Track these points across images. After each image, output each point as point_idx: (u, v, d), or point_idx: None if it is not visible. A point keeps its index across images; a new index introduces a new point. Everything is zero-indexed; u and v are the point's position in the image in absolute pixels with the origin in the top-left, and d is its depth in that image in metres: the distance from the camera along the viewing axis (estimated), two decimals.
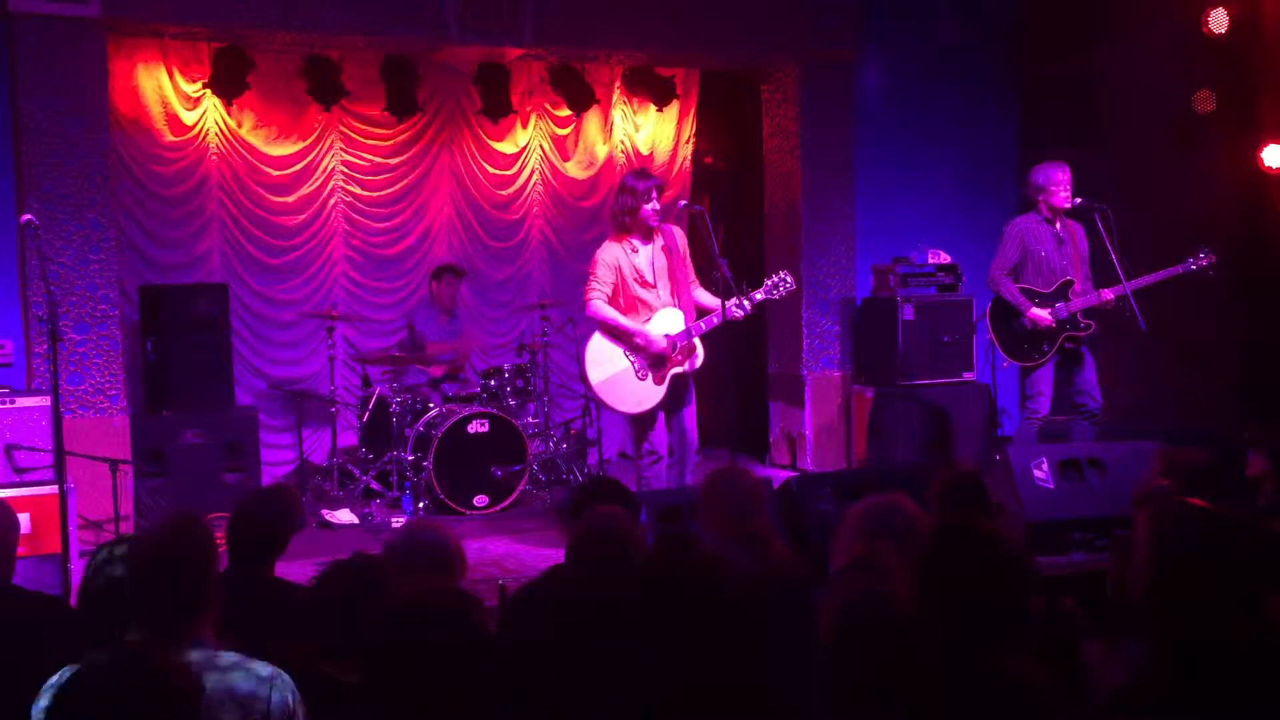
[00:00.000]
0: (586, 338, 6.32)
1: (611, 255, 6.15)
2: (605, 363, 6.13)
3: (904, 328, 8.13)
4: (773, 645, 2.61)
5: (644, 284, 6.16)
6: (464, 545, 6.84)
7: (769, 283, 6.20)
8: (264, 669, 2.51)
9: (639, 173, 6.62)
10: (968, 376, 8.27)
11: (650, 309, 6.15)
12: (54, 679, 2.36)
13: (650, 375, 6.12)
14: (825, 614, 2.20)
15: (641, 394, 6.13)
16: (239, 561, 3.51)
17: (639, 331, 6.10)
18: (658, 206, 6.12)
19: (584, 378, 6.27)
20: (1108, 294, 6.61)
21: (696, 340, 6.18)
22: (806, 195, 8.61)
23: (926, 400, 8.06)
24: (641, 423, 6.22)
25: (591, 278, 6.16)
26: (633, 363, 6.12)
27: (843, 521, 3.04)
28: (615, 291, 6.13)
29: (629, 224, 6.14)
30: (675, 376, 6.17)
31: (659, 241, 6.20)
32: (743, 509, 3.68)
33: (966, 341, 8.22)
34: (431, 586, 2.39)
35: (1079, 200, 6.69)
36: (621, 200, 6.19)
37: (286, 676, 2.52)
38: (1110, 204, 6.64)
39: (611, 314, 6.11)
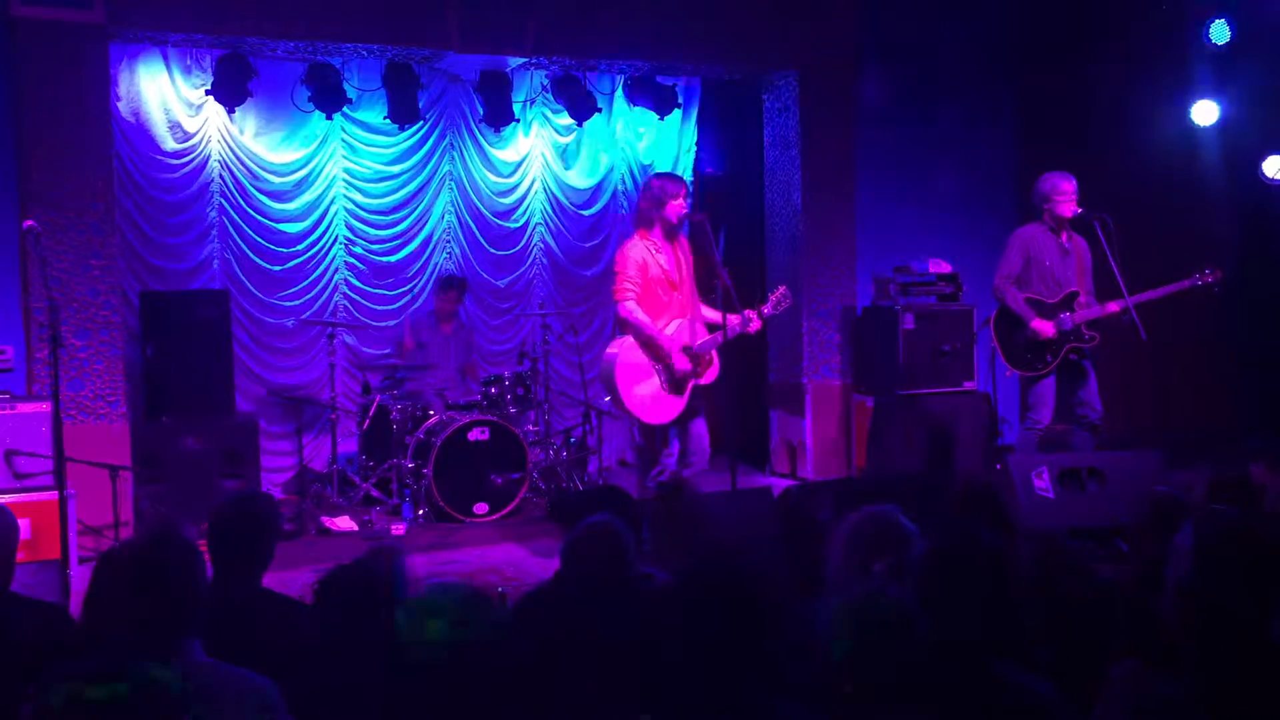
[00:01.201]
0: (615, 337, 6.31)
1: (639, 253, 6.12)
2: (635, 372, 6.11)
3: (904, 337, 8.12)
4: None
5: (670, 286, 6.15)
6: (464, 553, 6.86)
7: (773, 298, 6.29)
8: (250, 679, 2.51)
9: (670, 174, 6.70)
10: (968, 386, 8.26)
11: (671, 314, 6.15)
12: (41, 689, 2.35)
13: (673, 389, 6.15)
14: (830, 620, 2.20)
15: (667, 405, 6.15)
16: (221, 572, 3.48)
17: (668, 344, 6.10)
18: (685, 206, 6.12)
19: (610, 384, 6.19)
20: (1113, 306, 6.60)
21: (713, 353, 6.20)
22: (807, 204, 8.62)
23: (928, 410, 8.06)
24: (656, 433, 6.23)
25: (622, 275, 6.12)
26: (660, 372, 6.13)
27: (835, 533, 3.04)
28: (639, 292, 6.13)
29: (654, 217, 6.14)
30: (692, 389, 6.19)
31: (678, 247, 6.21)
32: (686, 528, 3.71)
33: (967, 351, 8.21)
34: (449, 584, 2.38)
35: (1080, 210, 6.69)
36: (649, 194, 6.22)
37: (272, 686, 2.52)
38: (1110, 214, 6.64)
39: (646, 319, 6.09)
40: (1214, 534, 2.00)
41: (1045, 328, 6.67)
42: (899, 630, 2.14)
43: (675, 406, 6.16)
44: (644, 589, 3.18)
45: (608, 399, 6.57)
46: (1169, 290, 6.60)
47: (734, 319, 6.03)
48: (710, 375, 6.24)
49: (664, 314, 6.15)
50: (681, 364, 6.11)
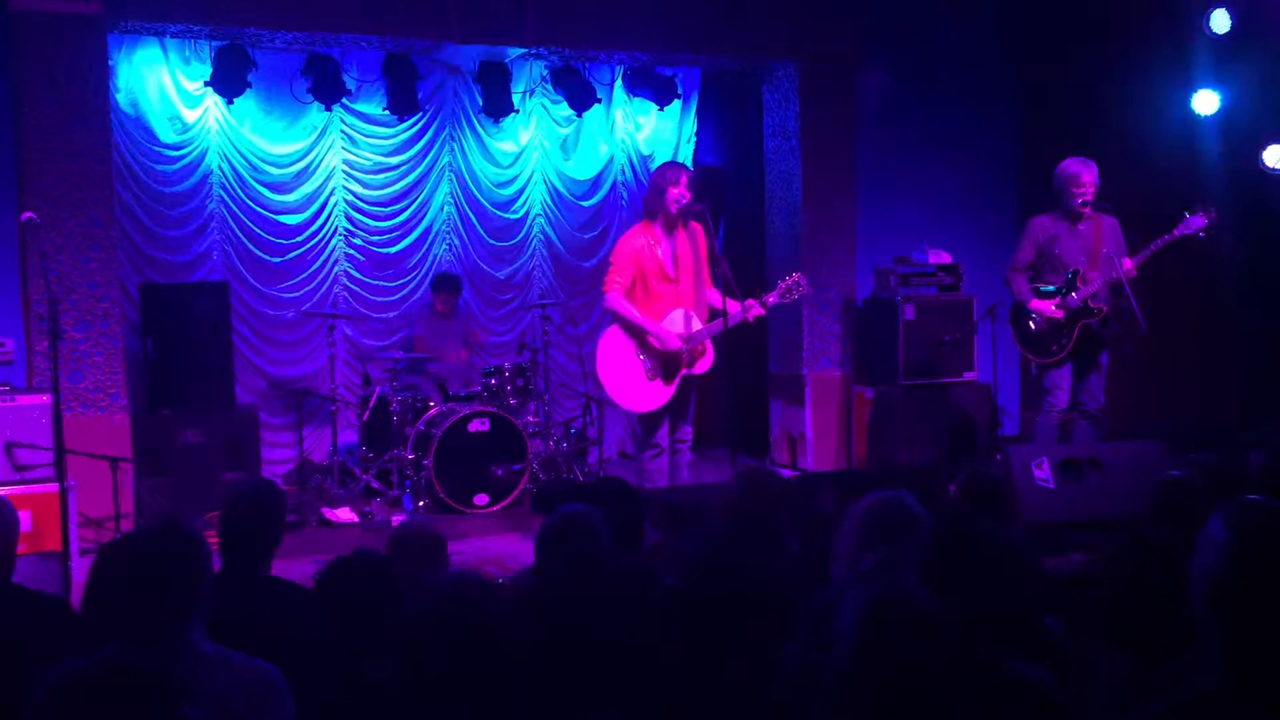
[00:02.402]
0: (602, 330, 6.31)
1: (634, 244, 6.12)
2: (617, 360, 6.12)
3: (905, 327, 8.12)
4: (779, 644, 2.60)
5: (664, 278, 6.13)
6: (465, 544, 6.87)
7: (783, 285, 6.20)
8: (256, 666, 2.50)
9: (673, 163, 6.68)
10: (969, 376, 8.26)
11: (666, 305, 6.13)
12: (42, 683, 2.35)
13: (659, 376, 6.12)
14: (850, 614, 2.18)
15: (650, 394, 6.13)
16: (229, 561, 3.49)
17: (655, 330, 6.09)
18: (685, 195, 6.11)
19: (594, 372, 6.26)
20: (1128, 263, 6.50)
21: (709, 342, 6.17)
22: (807, 195, 8.60)
23: (928, 401, 8.06)
24: (648, 421, 6.21)
25: (612, 267, 6.13)
26: (643, 362, 6.11)
27: (845, 519, 3.03)
28: (634, 283, 6.11)
29: (655, 209, 6.15)
30: (684, 379, 6.16)
31: (685, 236, 6.19)
32: (773, 509, 3.71)
33: (967, 341, 8.21)
34: (462, 574, 2.38)
35: (1089, 199, 6.65)
36: (651, 183, 6.26)
37: (278, 673, 2.52)
38: (1110, 204, 6.62)
39: (629, 308, 6.09)
40: (1256, 524, 1.95)
41: (1043, 306, 6.63)
42: (924, 630, 2.12)
43: (662, 395, 6.14)
44: (644, 586, 3.17)
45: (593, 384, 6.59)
46: (1163, 242, 6.49)
47: (733, 305, 6.00)
48: (703, 365, 6.21)
49: (657, 305, 6.13)
50: (672, 343, 6.09)
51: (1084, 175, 6.61)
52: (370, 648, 2.48)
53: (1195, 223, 6.44)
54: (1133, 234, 6.70)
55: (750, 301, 6.08)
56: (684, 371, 6.15)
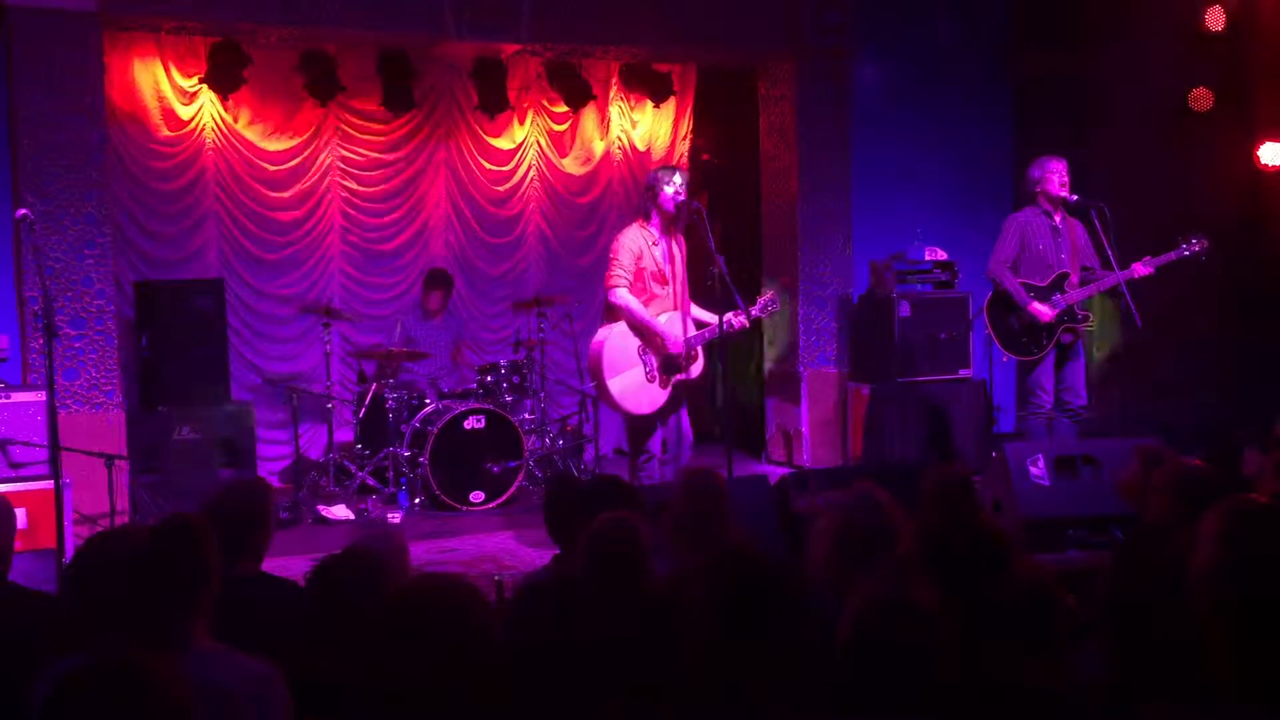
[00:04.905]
0: (601, 328, 6.26)
1: (635, 242, 6.09)
2: (620, 360, 6.09)
3: (900, 324, 8.13)
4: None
5: (661, 279, 6.13)
6: (460, 541, 6.87)
7: (762, 301, 6.27)
8: (258, 669, 2.50)
9: (667, 165, 6.68)
10: (964, 373, 8.27)
11: (661, 306, 6.13)
12: (45, 680, 2.34)
13: (659, 379, 6.12)
14: (846, 618, 2.17)
15: (650, 396, 6.13)
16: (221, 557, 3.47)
17: (661, 330, 6.08)
18: (681, 194, 6.09)
19: (595, 371, 6.20)
20: (1106, 281, 6.58)
21: (699, 349, 6.19)
22: (803, 191, 8.61)
23: (924, 398, 8.07)
24: (643, 424, 6.20)
25: (614, 263, 6.09)
26: (644, 363, 6.11)
27: (815, 535, 3.00)
28: (631, 281, 6.11)
29: (650, 208, 6.14)
30: (676, 384, 6.17)
31: (675, 243, 6.19)
32: (704, 511, 3.72)
33: (963, 338, 8.22)
34: (432, 577, 2.38)
35: (1076, 197, 6.69)
36: (646, 185, 6.27)
37: (275, 673, 2.52)
38: (1107, 202, 6.64)
39: (637, 306, 6.07)
40: (1243, 519, 1.95)
41: (1043, 311, 6.66)
42: (923, 632, 2.12)
43: (658, 398, 6.14)
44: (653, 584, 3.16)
45: (592, 384, 6.56)
46: (1158, 263, 6.58)
47: (725, 316, 6.02)
48: (694, 371, 6.23)
49: (652, 306, 6.12)
50: (675, 347, 6.09)
51: (1055, 164, 6.73)
52: (358, 644, 2.47)
53: (1191, 248, 6.52)
54: (1125, 233, 6.71)
55: (734, 313, 6.08)
56: (679, 375, 6.15)
